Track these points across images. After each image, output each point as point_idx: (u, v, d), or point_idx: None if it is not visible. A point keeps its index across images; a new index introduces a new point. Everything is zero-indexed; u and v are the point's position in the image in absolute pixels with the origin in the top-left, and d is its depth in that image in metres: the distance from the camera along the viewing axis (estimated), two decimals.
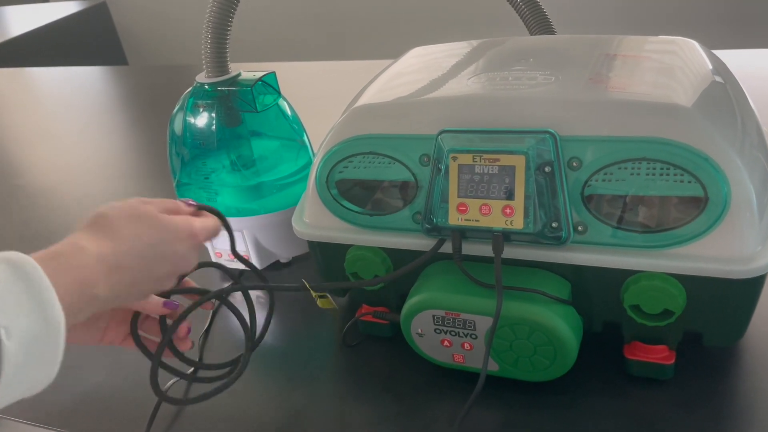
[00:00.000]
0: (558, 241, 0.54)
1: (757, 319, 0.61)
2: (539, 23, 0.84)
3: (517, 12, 0.86)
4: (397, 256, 0.63)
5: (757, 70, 1.16)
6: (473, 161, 0.54)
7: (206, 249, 0.85)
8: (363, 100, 0.63)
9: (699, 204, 0.50)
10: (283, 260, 0.85)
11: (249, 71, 0.80)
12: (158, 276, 0.49)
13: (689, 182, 0.50)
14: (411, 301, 0.58)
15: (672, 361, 0.56)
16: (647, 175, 0.51)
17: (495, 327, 0.53)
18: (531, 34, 0.85)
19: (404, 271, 0.59)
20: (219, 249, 0.83)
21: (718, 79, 0.60)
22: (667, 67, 0.59)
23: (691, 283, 0.52)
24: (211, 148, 0.80)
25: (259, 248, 0.82)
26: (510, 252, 0.56)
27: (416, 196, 0.59)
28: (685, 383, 0.57)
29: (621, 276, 0.54)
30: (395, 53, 0.77)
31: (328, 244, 0.65)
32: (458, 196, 0.55)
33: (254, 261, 0.82)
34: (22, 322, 0.37)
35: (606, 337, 0.60)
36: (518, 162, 0.52)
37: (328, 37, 2.77)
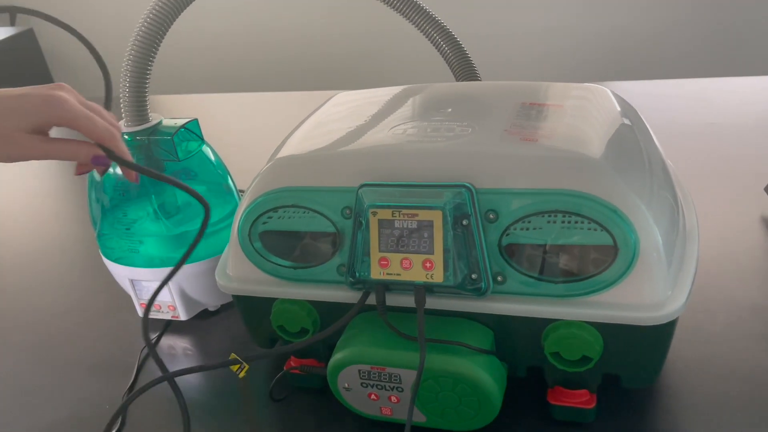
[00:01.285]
0: (478, 293, 0.55)
1: (672, 356, 0.64)
2: (464, 70, 0.86)
3: (443, 58, 0.88)
4: (324, 307, 0.62)
5: (659, 99, 1.22)
6: (392, 216, 0.54)
7: (131, 301, 0.82)
8: (285, 151, 0.63)
9: (611, 253, 0.52)
10: (211, 308, 0.83)
11: (172, 118, 0.78)
12: None
13: (600, 233, 0.52)
14: (336, 357, 0.58)
15: (593, 405, 0.58)
16: (561, 226, 0.53)
17: (419, 381, 0.53)
18: (457, 80, 0.87)
19: (331, 330, 0.59)
20: (145, 299, 0.81)
21: (627, 126, 0.63)
22: (580, 117, 0.61)
23: (607, 329, 0.54)
24: (133, 196, 0.78)
25: (185, 298, 0.80)
26: (433, 303, 0.57)
27: (340, 248, 0.59)
28: (607, 425, 0.59)
29: (541, 324, 0.56)
30: (341, 86, 0.78)
31: (252, 298, 0.64)
32: (379, 251, 0.55)
33: (180, 312, 0.80)
34: None
35: (531, 382, 0.61)
36: (436, 217, 0.53)
37: (273, 67, 2.76)
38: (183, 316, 0.80)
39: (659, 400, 0.60)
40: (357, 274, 0.56)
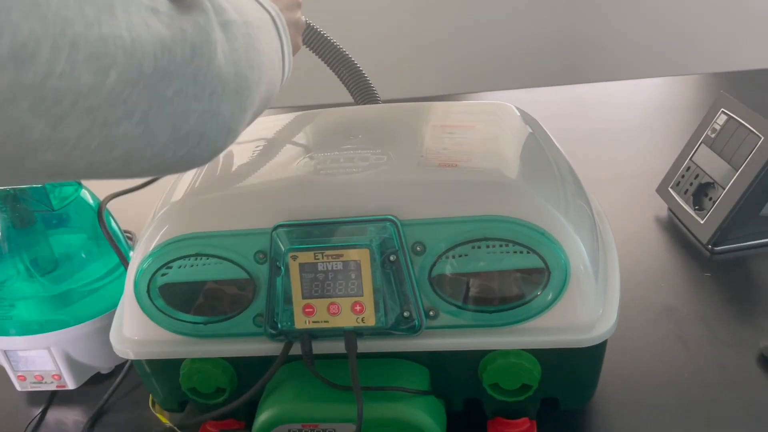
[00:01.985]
0: (412, 331, 0.51)
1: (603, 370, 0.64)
2: (363, 92, 0.83)
3: (341, 81, 0.84)
4: (241, 363, 0.56)
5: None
6: (315, 259, 0.49)
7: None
8: (181, 192, 0.57)
9: (543, 277, 0.51)
10: (104, 371, 0.74)
11: None
12: None
13: (530, 256, 0.50)
14: (261, 419, 0.52)
15: None
16: (490, 252, 0.50)
17: None
18: (356, 103, 0.84)
19: (254, 389, 0.53)
20: (23, 371, 0.70)
21: (537, 142, 0.62)
22: (493, 138, 0.60)
23: (544, 355, 0.52)
24: (1, 252, 0.68)
25: (72, 364, 0.70)
26: (364, 346, 0.52)
27: (255, 297, 0.53)
28: None
29: (478, 355, 0.53)
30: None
31: (156, 361, 0.57)
32: (303, 298, 0.50)
33: (67, 380, 0.70)
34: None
35: (469, 415, 0.58)
36: (362, 256, 0.49)
37: None
38: (71, 385, 0.71)
39: (596, 419, 0.60)
40: (279, 325, 0.51)
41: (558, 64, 1.91)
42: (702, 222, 0.77)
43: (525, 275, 0.51)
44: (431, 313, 0.52)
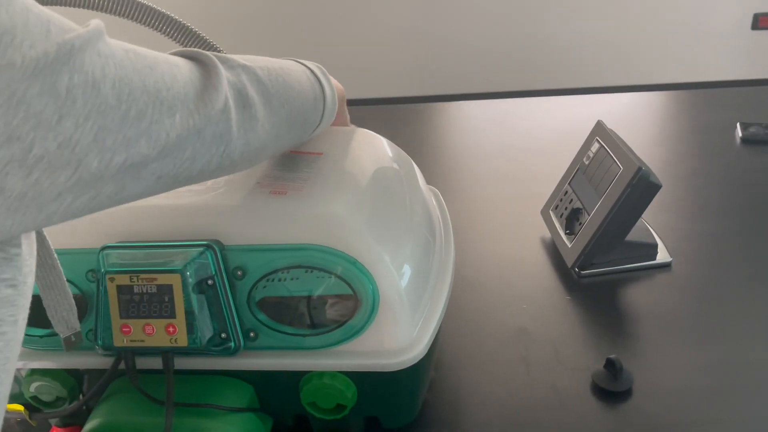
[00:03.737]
0: (228, 352, 0.54)
1: (440, 386, 0.66)
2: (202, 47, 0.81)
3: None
4: (82, 374, 0.59)
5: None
6: (131, 281, 0.52)
7: None
8: None
9: (352, 304, 0.53)
10: None
11: None
12: None
13: (342, 285, 0.53)
14: (87, 429, 0.55)
15: None
16: (306, 279, 0.53)
17: None
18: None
19: (81, 403, 0.56)
20: None
21: (389, 174, 0.65)
22: (337, 168, 0.62)
23: (359, 377, 0.55)
24: None
25: None
26: (186, 363, 0.55)
27: (88, 314, 0.56)
28: None
29: (298, 375, 0.56)
30: None
31: None
32: (120, 318, 0.53)
33: None
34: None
35: (300, 429, 0.61)
36: (175, 281, 0.51)
37: None
38: None
39: None
40: (99, 342, 0.54)
41: (494, 73, 1.90)
42: (569, 246, 0.80)
43: (337, 302, 0.54)
44: (251, 334, 0.55)
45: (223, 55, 0.47)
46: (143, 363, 0.55)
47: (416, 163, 0.73)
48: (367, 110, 0.88)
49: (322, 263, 0.53)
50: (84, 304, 0.56)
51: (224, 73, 0.43)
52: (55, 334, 0.57)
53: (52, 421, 0.63)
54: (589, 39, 1.86)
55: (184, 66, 0.41)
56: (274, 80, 0.49)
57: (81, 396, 0.60)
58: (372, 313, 0.53)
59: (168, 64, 0.39)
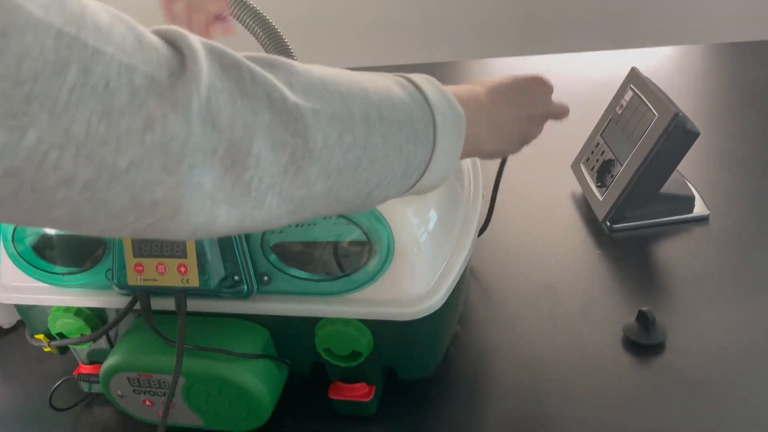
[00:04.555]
0: (240, 295, 0.53)
1: (462, 342, 0.65)
2: (276, 46, 0.83)
3: (257, 40, 0.85)
4: (102, 313, 0.60)
5: None
6: None
7: None
8: None
9: (366, 251, 0.52)
10: (5, 326, 0.77)
11: None
12: None
13: (355, 230, 0.51)
14: (104, 365, 0.55)
15: (370, 398, 0.58)
16: (320, 223, 0.52)
17: (174, 388, 0.52)
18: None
19: (97, 335, 0.56)
20: None
21: None
22: None
23: (375, 325, 0.54)
24: None
25: None
26: (198, 305, 0.55)
27: (106, 253, 0.56)
28: (389, 418, 0.59)
29: (312, 322, 0.55)
30: None
31: (27, 306, 0.61)
32: (134, 256, 0.53)
33: None
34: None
35: (317, 379, 0.60)
36: None
37: None
38: None
39: (440, 392, 0.61)
40: (115, 281, 0.54)
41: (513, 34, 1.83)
42: (601, 199, 0.77)
43: (351, 248, 0.53)
44: (265, 278, 0.54)
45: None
46: (160, 304, 0.55)
47: None
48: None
49: None
50: (103, 243, 0.56)
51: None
52: (78, 272, 0.58)
53: (79, 359, 0.64)
54: None
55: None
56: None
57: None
58: (386, 262, 0.52)
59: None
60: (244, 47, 0.38)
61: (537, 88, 0.56)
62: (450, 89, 0.46)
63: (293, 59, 0.82)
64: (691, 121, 0.70)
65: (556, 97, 0.59)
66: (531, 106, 0.55)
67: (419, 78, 0.44)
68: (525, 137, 0.56)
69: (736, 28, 1.57)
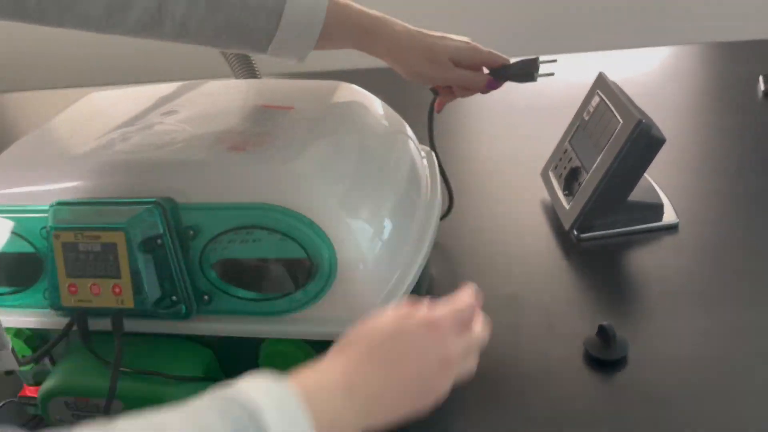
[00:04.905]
0: (179, 315, 0.51)
1: None
2: (243, 66, 0.82)
3: (222, 53, 0.83)
4: (45, 333, 0.58)
5: None
6: (75, 239, 0.50)
7: None
8: None
9: (307, 269, 0.50)
10: None
11: None
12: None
13: (297, 248, 0.49)
14: (42, 389, 0.53)
15: None
16: (260, 240, 0.50)
17: (107, 411, 0.50)
18: (235, 77, 0.83)
19: (33, 358, 0.54)
20: None
21: (362, 129, 0.61)
22: (305, 122, 0.58)
23: (318, 344, 0.52)
24: None
25: None
26: (137, 325, 0.53)
27: (42, 272, 0.54)
28: None
29: (257, 341, 0.53)
30: None
31: None
32: (66, 276, 0.51)
33: None
34: None
35: None
36: (118, 239, 0.49)
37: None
38: None
39: None
40: (50, 302, 0.52)
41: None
42: (567, 207, 0.75)
43: (292, 265, 0.51)
44: (204, 298, 0.52)
45: None
46: (100, 324, 0.53)
47: (412, 125, 0.69)
48: (362, 74, 0.83)
49: (277, 224, 0.49)
50: (39, 263, 0.54)
51: None
52: (16, 292, 0.56)
53: (25, 380, 0.62)
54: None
55: None
56: None
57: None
58: (329, 279, 0.50)
59: None
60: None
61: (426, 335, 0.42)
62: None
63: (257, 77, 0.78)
64: (657, 127, 0.68)
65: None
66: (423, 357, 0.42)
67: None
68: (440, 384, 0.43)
69: (709, 28, 1.54)
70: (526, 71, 0.67)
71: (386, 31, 0.60)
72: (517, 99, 1.09)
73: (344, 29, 0.57)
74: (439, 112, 0.69)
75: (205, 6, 0.48)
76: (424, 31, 0.62)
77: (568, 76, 1.15)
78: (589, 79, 0.80)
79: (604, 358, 0.59)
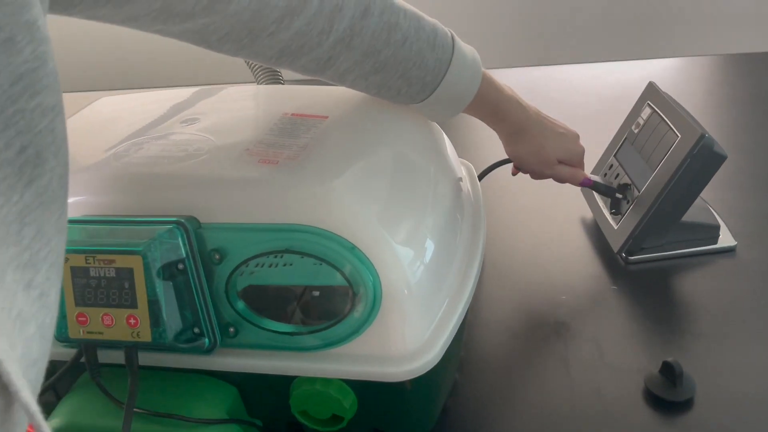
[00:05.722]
0: (201, 350, 0.45)
1: (465, 390, 0.57)
2: (264, 70, 0.77)
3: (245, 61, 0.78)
4: (51, 364, 0.52)
5: None
6: (87, 263, 0.44)
7: None
8: None
9: (349, 298, 0.44)
10: None
11: None
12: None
13: (336, 274, 0.44)
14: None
15: None
16: (296, 267, 0.44)
17: None
18: (257, 83, 0.78)
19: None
20: None
21: (402, 142, 0.55)
22: (340, 134, 0.52)
23: (358, 385, 0.46)
24: None
25: None
26: (154, 359, 0.47)
27: None
28: None
29: (287, 379, 0.47)
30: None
31: None
32: (75, 305, 0.45)
33: None
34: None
35: None
36: (135, 263, 0.43)
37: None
38: None
39: None
40: (56, 332, 0.46)
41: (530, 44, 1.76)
42: (615, 227, 0.69)
43: (331, 295, 0.45)
44: (230, 330, 0.46)
45: None
46: (111, 356, 0.47)
47: (448, 136, 0.64)
48: None
49: (314, 248, 0.43)
50: None
51: None
52: None
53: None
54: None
55: None
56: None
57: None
58: (373, 310, 0.44)
59: None
60: None
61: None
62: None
63: (281, 83, 0.76)
64: (718, 143, 0.62)
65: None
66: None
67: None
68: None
69: (754, 38, 1.49)
70: (607, 193, 0.70)
71: (512, 115, 0.62)
72: (550, 112, 1.04)
73: (478, 106, 0.58)
74: (515, 175, 0.70)
75: (370, 68, 0.50)
76: (545, 121, 0.64)
77: (602, 87, 1.11)
78: (624, 89, 0.75)
79: (670, 399, 0.53)
